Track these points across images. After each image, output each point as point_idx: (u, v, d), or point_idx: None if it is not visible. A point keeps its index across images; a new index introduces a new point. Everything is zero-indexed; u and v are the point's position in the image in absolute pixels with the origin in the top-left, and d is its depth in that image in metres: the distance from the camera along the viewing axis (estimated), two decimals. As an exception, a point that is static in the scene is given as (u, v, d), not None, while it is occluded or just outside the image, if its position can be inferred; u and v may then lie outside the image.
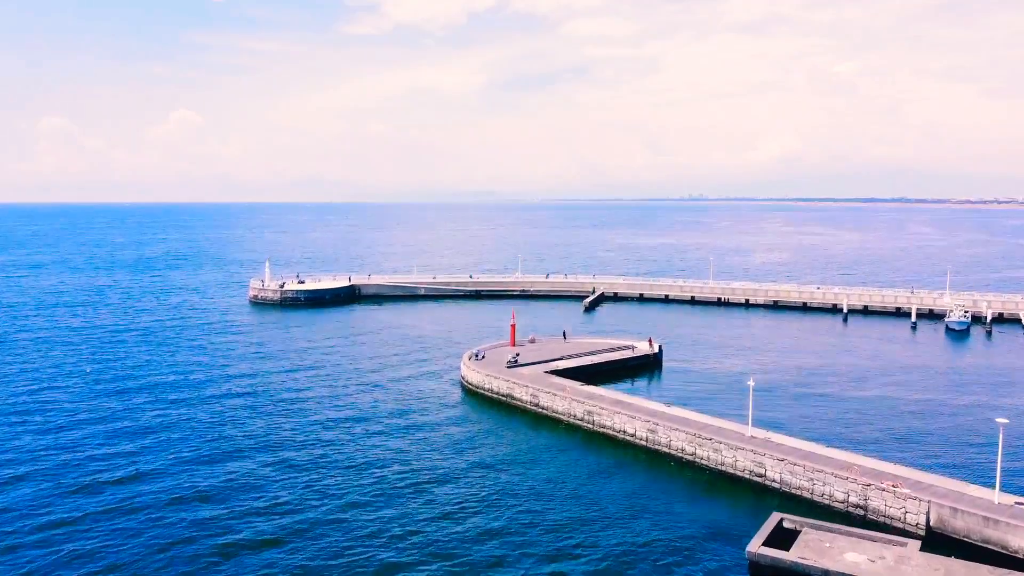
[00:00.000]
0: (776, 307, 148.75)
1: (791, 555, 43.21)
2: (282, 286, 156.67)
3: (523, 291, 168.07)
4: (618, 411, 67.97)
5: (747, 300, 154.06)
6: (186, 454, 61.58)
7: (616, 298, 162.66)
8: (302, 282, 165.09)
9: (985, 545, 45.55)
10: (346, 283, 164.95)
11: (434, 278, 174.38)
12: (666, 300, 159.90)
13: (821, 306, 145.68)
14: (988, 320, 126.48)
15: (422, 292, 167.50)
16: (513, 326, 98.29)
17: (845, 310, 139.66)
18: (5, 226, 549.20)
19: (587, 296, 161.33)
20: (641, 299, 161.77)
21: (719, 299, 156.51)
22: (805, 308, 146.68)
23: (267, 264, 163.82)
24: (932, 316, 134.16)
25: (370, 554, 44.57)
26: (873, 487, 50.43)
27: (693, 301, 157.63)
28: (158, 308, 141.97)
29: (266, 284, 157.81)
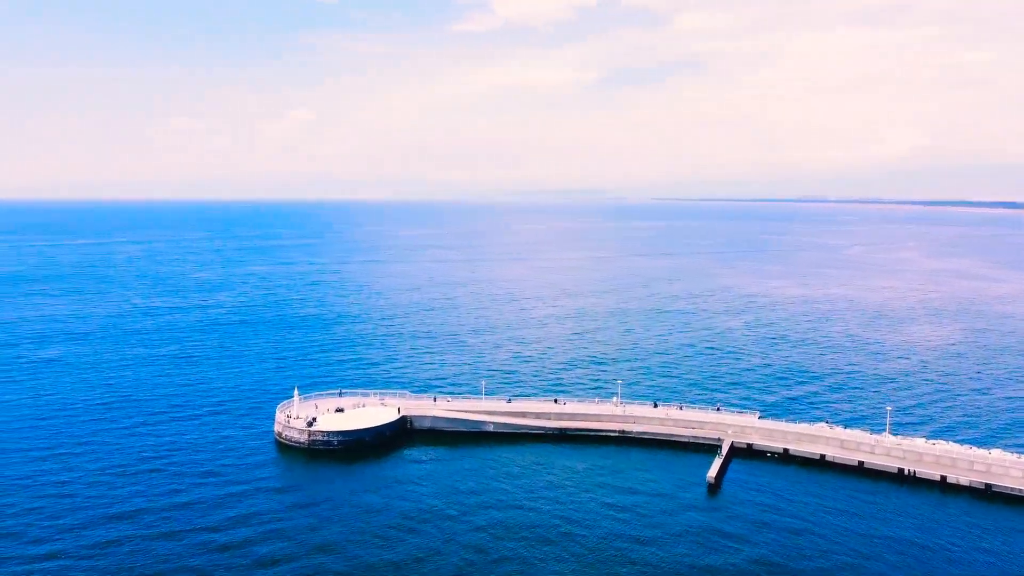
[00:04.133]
0: (997, 497, 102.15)
1: None
2: (311, 423, 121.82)
3: (623, 432, 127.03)
4: None
5: (943, 477, 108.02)
6: None
7: (751, 452, 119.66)
8: (340, 410, 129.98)
9: None
10: (394, 415, 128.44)
11: (508, 402, 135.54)
12: (821, 462, 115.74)
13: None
14: None
15: (491, 428, 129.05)
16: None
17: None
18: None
19: (706, 442, 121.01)
20: (786, 457, 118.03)
21: (900, 470, 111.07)
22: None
23: (296, 393, 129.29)
24: None
25: None
26: None
27: (861, 469, 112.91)
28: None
29: (293, 417, 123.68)
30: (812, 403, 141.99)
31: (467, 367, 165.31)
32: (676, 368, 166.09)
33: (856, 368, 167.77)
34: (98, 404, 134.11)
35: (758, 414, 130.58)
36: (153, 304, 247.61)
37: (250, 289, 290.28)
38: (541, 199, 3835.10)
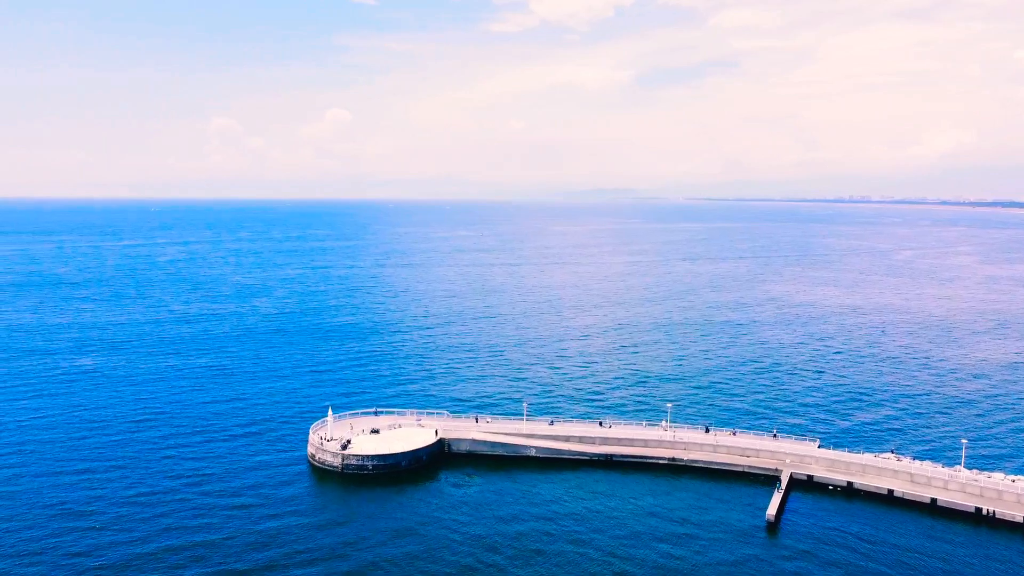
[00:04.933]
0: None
1: None
2: (345, 446, 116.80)
3: (673, 460, 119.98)
4: None
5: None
6: None
7: (811, 485, 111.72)
8: (375, 431, 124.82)
9: None
10: (431, 437, 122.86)
11: (550, 424, 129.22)
12: (889, 498, 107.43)
13: None
14: None
15: (532, 453, 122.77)
16: None
17: None
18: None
19: (763, 472, 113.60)
20: (850, 491, 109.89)
21: (978, 509, 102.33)
22: None
23: (330, 412, 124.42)
24: None
25: None
26: None
27: (933, 507, 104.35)
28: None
29: (327, 439, 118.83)
30: (876, 429, 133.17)
31: (506, 384, 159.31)
32: (726, 387, 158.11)
33: (923, 390, 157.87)
34: (130, 421, 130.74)
35: (818, 442, 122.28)
36: (190, 310, 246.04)
37: (286, 294, 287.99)
38: (577, 199, 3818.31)
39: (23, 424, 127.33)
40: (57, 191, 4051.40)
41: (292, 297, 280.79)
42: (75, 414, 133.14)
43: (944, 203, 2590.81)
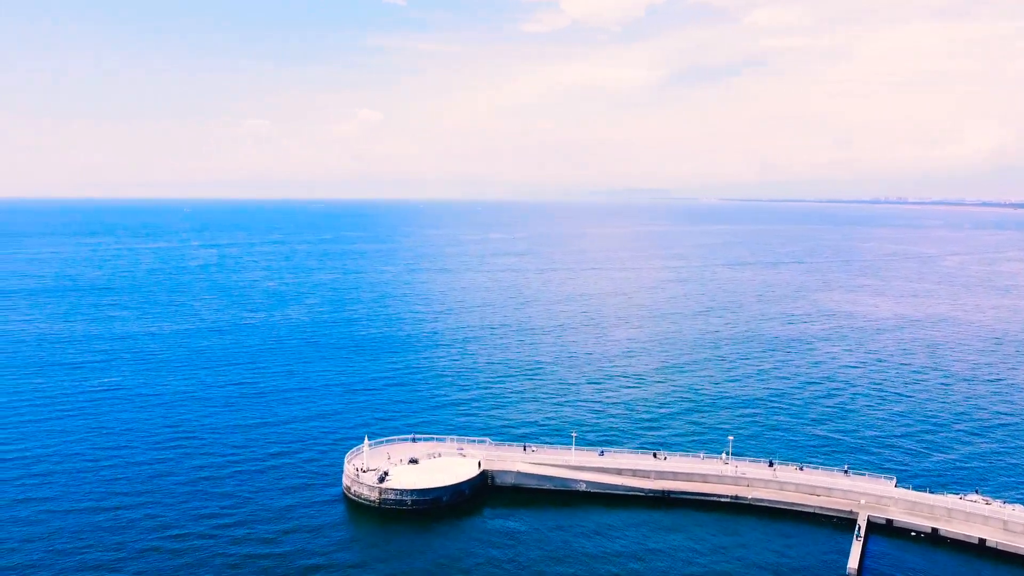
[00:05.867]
0: None
1: None
2: (383, 478, 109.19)
3: (736, 498, 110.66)
4: None
5: None
6: None
7: (890, 529, 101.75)
8: (414, 461, 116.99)
9: None
10: (474, 469, 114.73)
11: (600, 455, 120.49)
12: (980, 547, 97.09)
13: None
14: None
15: (583, 488, 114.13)
16: None
17: None
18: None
19: (836, 514, 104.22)
20: (935, 538, 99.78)
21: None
22: None
23: (366, 440, 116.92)
24: None
25: None
26: None
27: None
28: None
29: (363, 470, 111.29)
30: (956, 464, 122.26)
31: (550, 407, 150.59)
32: (785, 412, 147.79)
33: (1005, 419, 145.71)
34: (157, 445, 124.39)
35: (894, 480, 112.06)
36: (222, 318, 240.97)
37: (319, 302, 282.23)
38: (608, 199, 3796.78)
39: (48, 452, 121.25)
40: (91, 191, 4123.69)
41: (324, 305, 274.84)
42: (101, 439, 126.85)
43: (984, 204, 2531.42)
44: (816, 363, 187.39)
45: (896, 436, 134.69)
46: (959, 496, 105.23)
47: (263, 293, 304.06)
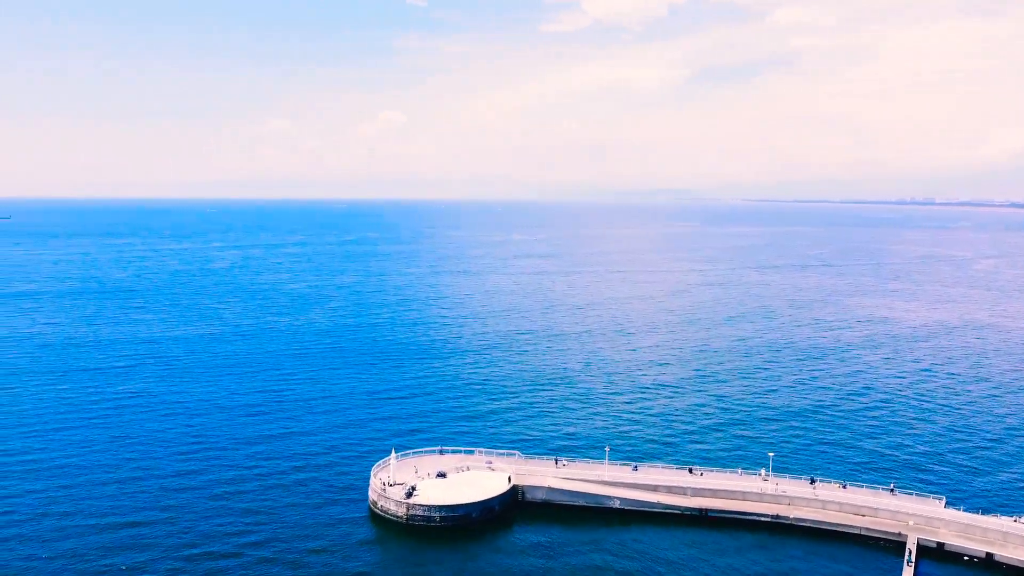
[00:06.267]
0: None
1: None
2: (410, 493, 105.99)
3: (776, 517, 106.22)
4: None
5: None
6: None
7: (941, 553, 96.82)
8: (442, 475, 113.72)
9: None
10: (504, 484, 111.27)
11: (634, 470, 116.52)
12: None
13: None
14: None
15: (616, 505, 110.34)
16: None
17: None
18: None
19: (883, 536, 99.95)
20: (989, 563, 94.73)
21: None
22: None
23: (393, 453, 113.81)
24: None
25: None
26: None
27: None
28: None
29: (390, 484, 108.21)
30: (1010, 485, 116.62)
31: (579, 417, 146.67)
32: (825, 423, 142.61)
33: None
34: (181, 456, 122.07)
35: (943, 500, 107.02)
36: (245, 323, 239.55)
37: (342, 305, 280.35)
38: (631, 199, 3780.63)
39: (70, 462, 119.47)
40: (116, 191, 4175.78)
41: (348, 308, 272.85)
42: (124, 450, 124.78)
43: (1013, 205, 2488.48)
44: (854, 373, 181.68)
45: (944, 452, 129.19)
46: (1014, 519, 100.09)
47: (287, 296, 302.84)
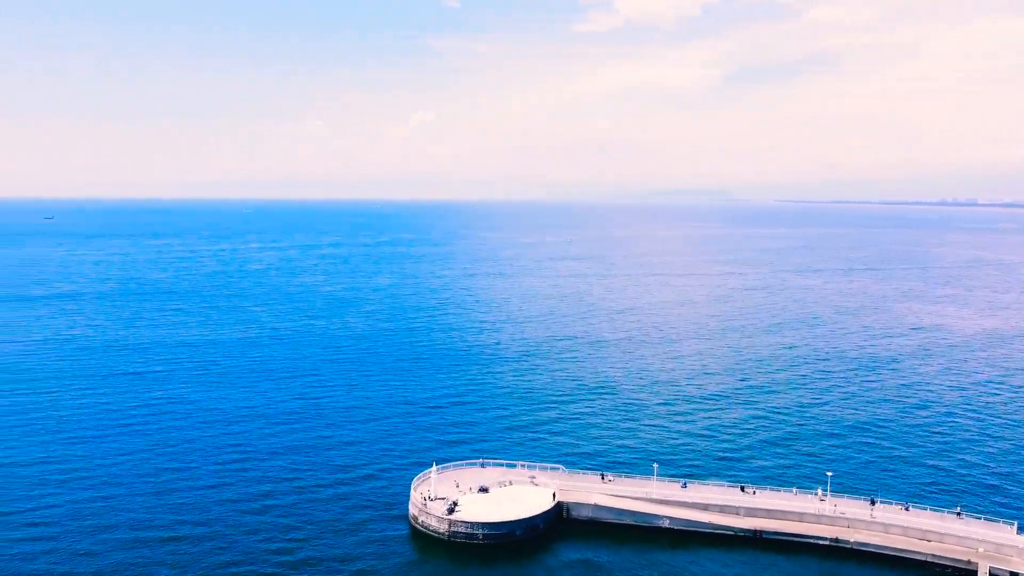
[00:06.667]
0: None
1: None
2: (452, 509, 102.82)
3: (835, 540, 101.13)
4: None
5: None
6: None
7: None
8: (484, 489, 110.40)
9: None
10: (548, 500, 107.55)
11: (683, 487, 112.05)
12: None
13: None
14: None
15: (665, 525, 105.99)
16: None
17: None
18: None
19: (950, 563, 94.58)
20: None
21: None
22: None
23: (434, 466, 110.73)
24: None
25: None
26: None
27: None
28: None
29: (431, 499, 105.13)
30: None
31: (623, 430, 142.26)
32: (880, 443, 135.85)
33: None
34: (218, 467, 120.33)
35: (1016, 525, 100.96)
36: (282, 326, 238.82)
37: (378, 308, 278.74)
38: (665, 200, 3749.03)
39: (111, 471, 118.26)
40: (155, 191, 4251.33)
41: (384, 312, 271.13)
42: (163, 459, 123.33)
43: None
44: (908, 385, 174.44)
45: (1016, 473, 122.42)
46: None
47: (323, 298, 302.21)
